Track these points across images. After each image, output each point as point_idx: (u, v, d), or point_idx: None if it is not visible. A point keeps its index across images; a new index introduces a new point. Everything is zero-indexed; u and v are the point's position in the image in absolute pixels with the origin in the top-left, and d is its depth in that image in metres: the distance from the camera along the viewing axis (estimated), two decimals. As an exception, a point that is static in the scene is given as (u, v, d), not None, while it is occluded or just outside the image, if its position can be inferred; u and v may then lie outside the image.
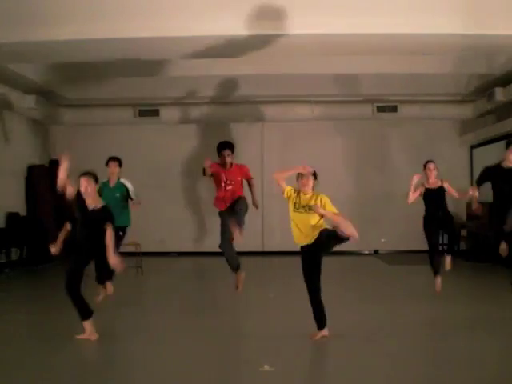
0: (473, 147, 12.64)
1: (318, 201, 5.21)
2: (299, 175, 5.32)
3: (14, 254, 10.74)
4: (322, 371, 4.54)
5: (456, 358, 4.80)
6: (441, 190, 7.13)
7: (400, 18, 6.43)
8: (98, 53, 7.58)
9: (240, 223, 6.75)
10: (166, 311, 6.84)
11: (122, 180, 7.38)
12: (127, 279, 9.32)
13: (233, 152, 7.16)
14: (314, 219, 5.21)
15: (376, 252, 12.90)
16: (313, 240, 5.19)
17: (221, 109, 12.05)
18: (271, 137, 12.98)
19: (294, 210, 5.31)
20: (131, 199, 7.39)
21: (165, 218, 12.87)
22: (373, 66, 9.39)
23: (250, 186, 7.39)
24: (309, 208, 5.20)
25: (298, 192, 5.34)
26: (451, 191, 7.12)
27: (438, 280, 7.09)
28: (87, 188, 5.31)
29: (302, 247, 5.31)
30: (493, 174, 6.99)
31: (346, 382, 4.31)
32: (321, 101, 11.92)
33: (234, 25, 6.50)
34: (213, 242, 12.60)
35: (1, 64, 8.52)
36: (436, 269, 7.11)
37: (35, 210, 11.35)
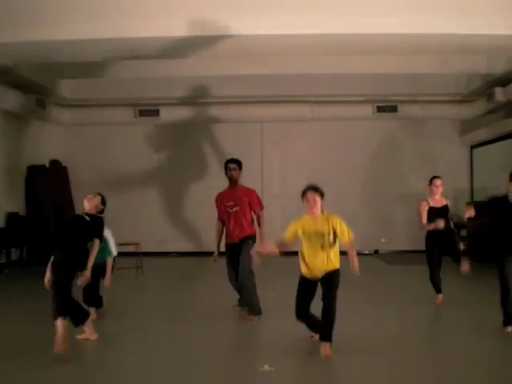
0: (473, 147, 12.64)
1: (330, 225, 4.70)
2: (304, 197, 4.76)
3: (14, 254, 10.75)
4: (322, 371, 4.53)
5: (456, 358, 4.80)
6: (445, 209, 6.83)
7: (400, 17, 6.44)
8: (98, 53, 7.58)
9: (252, 306, 6.23)
10: (166, 311, 6.83)
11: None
12: (127, 279, 9.33)
13: (240, 169, 6.48)
14: (330, 248, 4.74)
15: (376, 252, 12.90)
16: (325, 273, 4.81)
17: (221, 109, 12.06)
18: (271, 137, 12.99)
19: (307, 242, 4.79)
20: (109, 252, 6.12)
21: (165, 218, 12.89)
22: (373, 65, 9.40)
23: (257, 219, 6.53)
24: (321, 236, 4.71)
25: (302, 220, 4.83)
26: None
27: (440, 297, 6.83)
28: (90, 202, 5.42)
29: (306, 277, 4.92)
30: (496, 206, 5.74)
31: (347, 381, 4.30)
32: (321, 101, 11.93)
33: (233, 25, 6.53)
34: (212, 242, 12.53)
35: (1, 64, 8.51)
36: (437, 287, 6.85)
37: (35, 210, 11.36)
